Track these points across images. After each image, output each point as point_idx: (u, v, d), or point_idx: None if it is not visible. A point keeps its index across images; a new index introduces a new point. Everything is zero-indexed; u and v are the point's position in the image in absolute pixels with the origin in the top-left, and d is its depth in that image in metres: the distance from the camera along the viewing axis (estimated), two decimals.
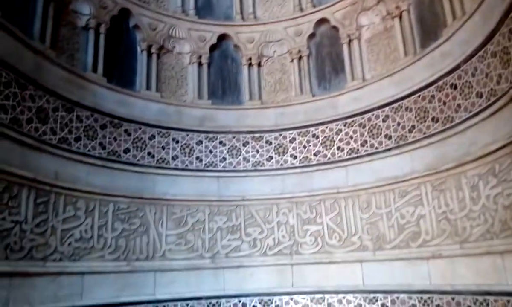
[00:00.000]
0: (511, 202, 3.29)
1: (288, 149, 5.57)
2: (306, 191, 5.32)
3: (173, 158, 5.37)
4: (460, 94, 3.94)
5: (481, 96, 3.65)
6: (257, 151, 5.62)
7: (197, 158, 5.48)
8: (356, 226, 4.95)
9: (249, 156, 5.61)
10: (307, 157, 5.45)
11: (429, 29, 4.57)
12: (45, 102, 4.28)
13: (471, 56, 3.76)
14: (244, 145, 5.64)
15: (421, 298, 4.26)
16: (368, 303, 4.67)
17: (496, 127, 3.43)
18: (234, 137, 5.65)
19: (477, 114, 3.70)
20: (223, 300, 4.99)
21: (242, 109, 5.81)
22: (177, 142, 5.45)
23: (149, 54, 5.66)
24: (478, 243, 3.70)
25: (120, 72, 5.36)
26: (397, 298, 4.47)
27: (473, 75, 3.76)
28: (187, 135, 5.52)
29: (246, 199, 5.40)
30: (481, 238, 3.66)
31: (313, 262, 5.09)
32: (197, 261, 5.08)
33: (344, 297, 4.85)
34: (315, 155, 5.41)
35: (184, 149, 5.45)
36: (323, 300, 4.95)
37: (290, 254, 5.17)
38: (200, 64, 5.95)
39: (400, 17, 4.92)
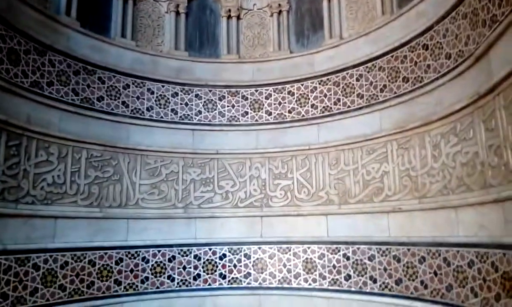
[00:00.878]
0: (468, 160, 3.47)
1: (263, 105, 5.63)
2: (279, 147, 5.44)
3: (147, 109, 5.37)
4: (431, 55, 4.04)
5: (449, 57, 3.75)
6: (233, 106, 5.66)
7: (172, 110, 5.49)
8: (324, 182, 5.13)
9: (224, 110, 5.65)
10: (281, 113, 5.53)
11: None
12: (16, 43, 4.18)
13: (443, 17, 3.82)
14: (220, 99, 5.66)
15: (380, 249, 4.52)
16: (331, 253, 4.92)
17: (462, 87, 3.55)
18: (210, 91, 5.65)
19: (444, 74, 3.81)
20: (194, 248, 5.17)
21: (219, 63, 5.78)
22: (152, 93, 5.43)
23: (125, 0, 5.52)
24: (435, 198, 3.91)
25: (95, 18, 5.23)
26: (358, 248, 4.73)
27: (444, 36, 3.84)
28: (163, 86, 5.50)
29: (220, 153, 5.49)
30: (439, 193, 3.87)
31: (282, 214, 5.28)
32: (170, 211, 5.20)
33: (309, 247, 5.09)
34: (289, 112, 5.49)
35: (159, 100, 5.44)
36: (289, 250, 5.19)
37: (261, 207, 5.34)
38: (177, 13, 5.86)
39: None
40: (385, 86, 4.66)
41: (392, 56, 4.58)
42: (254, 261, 5.22)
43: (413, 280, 4.08)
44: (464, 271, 3.51)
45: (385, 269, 4.41)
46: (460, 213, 3.58)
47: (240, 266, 5.20)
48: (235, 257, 5.22)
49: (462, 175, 3.56)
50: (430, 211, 3.97)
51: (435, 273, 3.82)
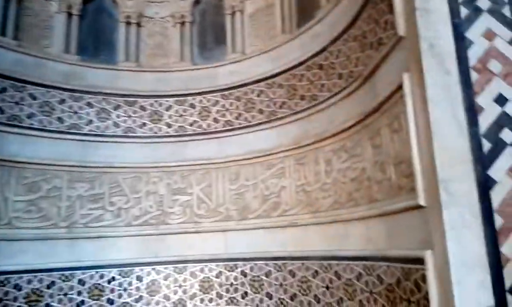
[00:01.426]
0: (357, 175, 3.61)
1: (163, 117, 5.37)
2: (179, 160, 5.20)
3: (28, 116, 4.77)
4: (325, 75, 4.20)
5: (341, 78, 3.93)
6: (129, 116, 5.31)
7: (58, 118, 4.95)
8: (224, 197, 5.02)
9: (120, 121, 5.26)
10: (182, 126, 5.32)
11: (306, 10, 4.77)
12: None
13: (336, 38, 4.01)
14: (115, 108, 5.27)
15: (276, 264, 4.51)
16: (229, 271, 4.79)
17: (351, 106, 3.72)
18: (104, 99, 5.23)
19: (337, 93, 3.97)
20: (79, 272, 4.63)
21: (115, 70, 5.40)
22: (35, 98, 4.86)
23: None
24: (328, 212, 4.01)
25: None
26: (256, 264, 4.66)
27: (337, 57, 4.02)
28: (48, 91, 4.95)
29: (114, 166, 5.07)
30: (331, 208, 3.98)
31: (180, 232, 5.03)
32: (50, 231, 4.63)
33: (206, 266, 4.90)
34: (190, 125, 5.31)
35: (42, 107, 4.87)
36: (186, 269, 4.93)
37: (157, 224, 5.02)
38: (70, 14, 5.37)
39: None
40: (284, 103, 4.74)
41: (290, 74, 4.69)
42: (147, 284, 4.84)
43: (307, 295, 4.10)
44: (353, 284, 3.61)
45: (281, 285, 4.39)
46: (350, 227, 3.70)
47: (131, 289, 4.78)
48: (125, 280, 4.79)
49: (352, 190, 3.70)
50: (323, 225, 4.06)
51: (327, 287, 3.89)
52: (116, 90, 5.29)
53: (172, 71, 5.52)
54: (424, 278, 2.42)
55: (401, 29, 2.71)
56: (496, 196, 2.29)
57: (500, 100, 2.42)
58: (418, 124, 2.54)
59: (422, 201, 2.47)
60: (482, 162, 2.34)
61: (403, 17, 2.70)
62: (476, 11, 2.53)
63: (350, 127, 3.72)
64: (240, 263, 4.75)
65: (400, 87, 2.76)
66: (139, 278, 4.84)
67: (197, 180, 5.15)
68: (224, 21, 5.55)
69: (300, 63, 4.57)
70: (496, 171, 2.32)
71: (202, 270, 4.87)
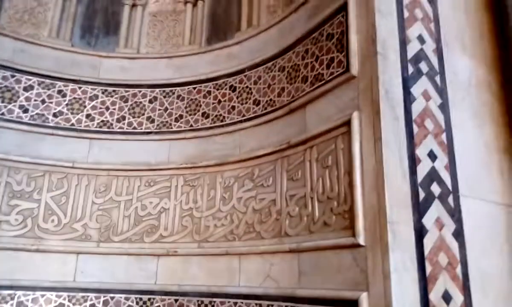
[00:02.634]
0: (263, 207, 3.41)
1: (19, 98, 4.18)
2: (29, 156, 4.06)
3: None
4: (238, 97, 3.98)
5: (258, 104, 3.77)
6: None
7: None
8: (84, 211, 4.08)
9: None
10: (43, 114, 4.23)
11: (219, 28, 4.55)
12: None
13: (258, 65, 3.88)
14: None
15: (141, 298, 3.80)
16: (74, 304, 3.81)
17: (266, 135, 3.56)
18: None
19: (250, 119, 3.78)
20: None
21: None
22: None
23: None
24: (218, 243, 3.64)
25: None
26: (112, 298, 3.84)
27: (255, 83, 3.87)
28: None
29: None
30: (223, 238, 3.63)
31: (12, 247, 3.82)
32: None
33: (43, 295, 3.79)
34: (55, 115, 4.26)
35: None
36: (13, 298, 3.71)
37: None
38: None
39: (194, 5, 4.73)
40: (181, 116, 4.27)
41: (194, 88, 4.30)
42: None
43: None
44: None
45: None
46: (245, 261, 3.41)
47: None
48: None
49: (253, 222, 3.46)
50: (210, 257, 3.65)
51: None
52: None
53: (42, 45, 4.42)
54: None
55: (355, 69, 2.74)
56: (427, 244, 2.41)
57: (432, 155, 2.63)
58: (363, 164, 2.54)
59: (361, 241, 2.41)
60: (419, 209, 2.45)
61: (359, 59, 2.75)
62: (419, 72, 2.76)
63: (262, 156, 3.54)
64: (92, 295, 3.84)
65: (342, 125, 2.76)
66: None
67: (50, 185, 4.08)
68: (120, 10, 4.84)
69: (209, 79, 4.25)
70: (427, 220, 2.46)
71: (35, 301, 3.74)
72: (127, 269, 3.90)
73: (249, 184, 3.62)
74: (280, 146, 3.36)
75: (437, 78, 2.87)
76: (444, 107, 2.83)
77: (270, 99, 3.67)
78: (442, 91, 2.86)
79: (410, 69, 2.74)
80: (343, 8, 3.00)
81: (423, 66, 2.82)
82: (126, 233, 4.01)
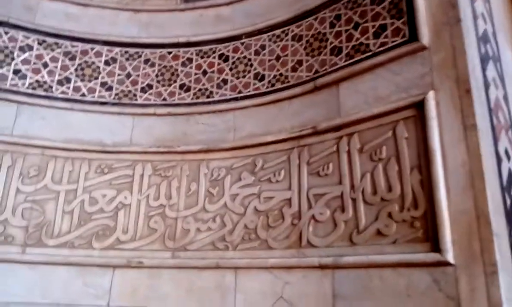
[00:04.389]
0: (270, 208, 2.65)
1: None
2: None
3: None
4: (231, 70, 3.17)
5: (261, 79, 3.00)
6: None
7: None
8: (4, 202, 2.90)
9: None
10: None
11: None
12: None
13: (260, 31, 3.12)
14: None
15: None
16: None
17: (274, 117, 2.83)
18: None
19: (250, 97, 3.00)
20: None
21: None
22: None
23: None
24: (203, 253, 2.78)
25: None
26: None
27: (257, 53, 3.10)
28: None
29: None
30: (210, 247, 2.79)
31: None
32: None
33: None
34: None
35: None
36: None
37: None
38: None
39: None
40: (150, 86, 3.31)
41: (170, 53, 3.37)
42: None
43: None
44: None
45: None
46: (244, 277, 2.60)
47: None
48: None
49: (256, 226, 2.68)
50: (190, 270, 2.76)
51: None
52: None
53: None
54: None
55: (426, 39, 2.17)
56: None
57: (508, 154, 2.17)
58: (446, 157, 1.97)
59: (450, 258, 1.82)
60: (510, 219, 1.95)
61: (431, 27, 2.18)
62: (487, 55, 2.30)
63: (269, 143, 2.79)
64: None
65: (405, 107, 2.17)
66: None
67: None
68: None
69: (190, 44, 3.36)
70: None
71: None
72: (66, 285, 2.80)
73: (248, 177, 2.83)
74: (299, 131, 2.65)
75: (498, 66, 2.45)
76: (507, 99, 2.42)
77: (280, 74, 2.94)
78: (503, 81, 2.45)
79: (482, 49, 2.27)
80: None
81: (489, 49, 2.37)
82: (66, 235, 2.92)
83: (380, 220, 2.14)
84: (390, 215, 2.11)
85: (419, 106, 2.11)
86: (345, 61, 2.57)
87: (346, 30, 2.64)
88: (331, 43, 2.71)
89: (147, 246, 2.92)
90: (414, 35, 2.24)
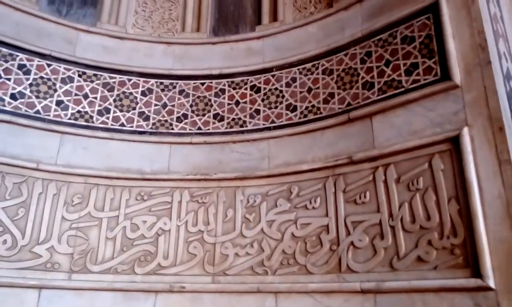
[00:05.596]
0: (308, 234, 2.80)
1: None
2: None
3: None
4: (263, 100, 3.34)
5: (293, 110, 3.18)
6: None
7: None
8: (50, 229, 3.03)
9: None
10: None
11: (227, 18, 3.87)
12: None
13: (291, 65, 3.31)
14: None
15: None
16: None
17: (309, 147, 3.00)
18: None
19: (283, 127, 3.17)
20: None
21: None
22: None
23: None
24: (242, 277, 2.92)
25: None
26: None
27: (288, 85, 3.28)
28: None
29: None
30: (249, 271, 2.92)
31: None
32: None
33: None
34: (13, 97, 3.15)
35: None
36: None
37: None
38: None
39: None
40: (185, 115, 3.48)
41: (203, 84, 3.55)
42: None
43: None
44: None
45: None
46: (285, 302, 2.73)
47: None
48: None
49: (294, 251, 2.83)
50: (231, 294, 2.89)
51: None
52: None
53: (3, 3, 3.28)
54: None
55: (458, 79, 2.36)
56: None
57: None
58: (483, 189, 2.13)
59: (491, 283, 1.98)
60: None
61: (463, 67, 2.37)
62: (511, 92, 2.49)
63: (304, 171, 2.95)
64: None
65: (441, 142, 2.35)
66: None
67: (2, 191, 2.95)
68: None
69: (222, 76, 3.54)
70: None
71: None
72: None
73: (284, 204, 2.98)
74: (335, 161, 2.81)
75: None
76: None
77: (312, 105, 3.12)
78: None
79: (507, 87, 2.46)
80: (430, 10, 2.62)
81: None
82: (109, 261, 3.05)
83: (420, 247, 2.30)
84: (430, 243, 2.27)
85: (455, 141, 2.28)
86: (378, 95, 2.75)
87: (377, 66, 2.83)
88: (362, 78, 2.90)
89: (188, 271, 3.04)
90: (446, 74, 2.42)
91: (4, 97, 3.10)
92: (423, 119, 2.47)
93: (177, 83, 3.58)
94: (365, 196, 2.63)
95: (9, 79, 3.16)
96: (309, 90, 3.19)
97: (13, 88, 3.16)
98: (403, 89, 2.62)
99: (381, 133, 2.67)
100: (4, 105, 3.08)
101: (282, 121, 3.23)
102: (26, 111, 3.15)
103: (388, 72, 2.75)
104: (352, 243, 2.60)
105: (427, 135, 2.42)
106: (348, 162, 2.75)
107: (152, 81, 3.57)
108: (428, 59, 2.56)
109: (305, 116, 3.13)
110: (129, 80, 3.54)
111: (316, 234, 2.78)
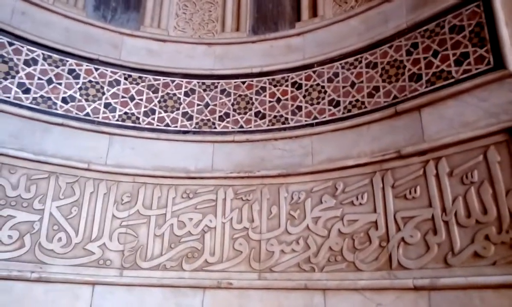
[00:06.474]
0: (355, 230, 2.77)
1: (18, 73, 3.20)
2: (30, 151, 3.05)
3: None
4: (305, 97, 3.34)
5: (336, 105, 3.16)
6: None
7: None
8: (102, 227, 3.14)
9: None
10: (49, 98, 3.25)
11: (266, 16, 3.89)
12: None
13: (333, 60, 3.28)
14: None
15: None
16: None
17: (354, 142, 2.97)
18: None
19: (326, 123, 3.15)
20: None
21: None
22: None
23: None
24: (289, 274, 2.92)
25: None
26: None
27: (330, 80, 3.26)
28: None
29: None
30: (295, 268, 2.92)
31: (4, 276, 2.77)
32: None
33: None
34: (65, 101, 3.29)
35: None
36: None
37: None
38: None
39: None
40: (227, 114, 3.52)
41: (244, 83, 3.58)
42: None
43: None
44: None
45: None
46: (333, 299, 2.71)
47: None
48: None
49: (341, 248, 2.80)
50: (278, 291, 2.90)
51: None
52: None
53: (48, 9, 3.44)
54: None
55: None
56: None
57: None
58: None
59: None
60: None
61: None
62: None
63: (349, 167, 2.92)
64: None
65: (496, 132, 2.25)
66: None
67: (56, 191, 3.09)
68: None
69: (262, 74, 3.56)
70: None
71: None
72: (161, 306, 3.01)
73: (329, 200, 2.96)
74: (382, 156, 2.77)
75: None
76: None
77: (357, 100, 3.08)
78: None
79: None
80: None
81: None
82: (158, 258, 3.13)
83: (476, 242, 2.22)
84: (487, 237, 2.19)
85: (511, 132, 2.19)
86: (426, 87, 2.68)
87: (425, 58, 2.76)
88: (409, 70, 2.83)
89: (234, 267, 3.07)
90: (499, 63, 2.33)
91: (56, 101, 3.25)
92: (476, 110, 2.39)
93: (218, 83, 3.62)
94: (415, 191, 2.57)
95: (60, 84, 3.30)
96: (352, 84, 3.15)
97: (64, 92, 3.30)
98: (453, 80, 2.54)
99: (431, 126, 2.60)
100: (56, 109, 3.23)
101: (325, 117, 3.20)
102: (76, 114, 3.29)
103: (436, 63, 2.68)
104: (403, 239, 2.55)
105: (480, 126, 2.34)
106: (397, 156, 2.70)
107: (194, 81, 3.64)
108: (479, 48, 2.47)
109: (349, 111, 3.10)
110: (173, 81, 3.62)
111: (364, 230, 2.75)
